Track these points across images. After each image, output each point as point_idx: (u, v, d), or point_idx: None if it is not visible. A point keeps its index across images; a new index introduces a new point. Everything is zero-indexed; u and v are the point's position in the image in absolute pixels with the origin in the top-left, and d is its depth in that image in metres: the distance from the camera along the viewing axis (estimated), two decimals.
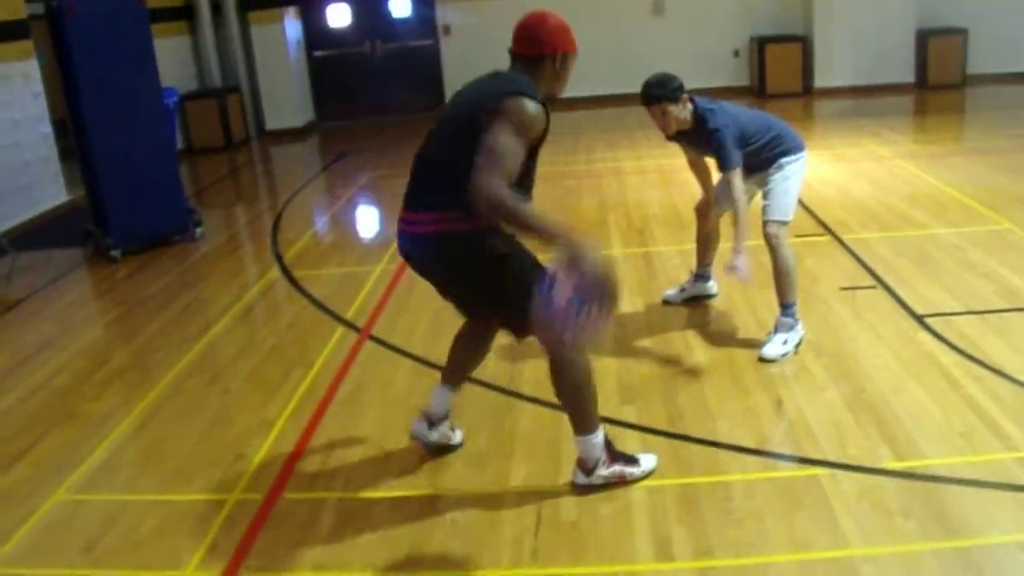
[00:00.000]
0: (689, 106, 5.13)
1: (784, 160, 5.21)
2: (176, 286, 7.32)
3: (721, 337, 5.45)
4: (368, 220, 9.48)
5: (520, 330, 3.68)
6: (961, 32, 14.37)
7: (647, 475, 3.95)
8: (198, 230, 8.59)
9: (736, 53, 14.90)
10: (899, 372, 4.78)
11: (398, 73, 15.20)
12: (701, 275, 6.03)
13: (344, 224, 9.30)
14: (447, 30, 14.98)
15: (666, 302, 6.05)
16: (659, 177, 9.52)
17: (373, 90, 15.29)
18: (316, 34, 15.22)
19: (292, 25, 14.77)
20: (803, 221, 7.50)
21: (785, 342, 5.11)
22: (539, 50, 3.65)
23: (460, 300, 3.94)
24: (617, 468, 3.88)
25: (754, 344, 5.22)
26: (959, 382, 4.61)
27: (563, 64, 3.70)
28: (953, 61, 14.41)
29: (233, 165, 12.81)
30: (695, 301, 6.03)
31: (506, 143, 3.26)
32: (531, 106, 3.37)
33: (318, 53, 15.27)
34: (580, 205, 8.73)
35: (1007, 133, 10.83)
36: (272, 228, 8.88)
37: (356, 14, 15.16)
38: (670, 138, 5.41)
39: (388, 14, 15.21)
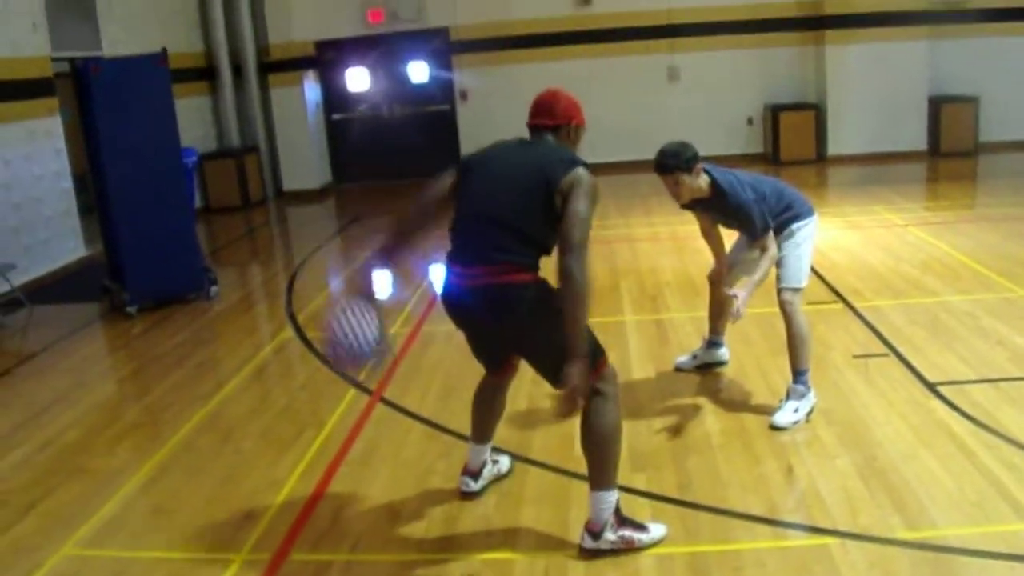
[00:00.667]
0: (703, 176, 5.15)
1: (795, 226, 5.24)
2: (190, 344, 7.37)
3: (732, 404, 5.44)
4: (383, 283, 9.51)
5: (559, 379, 3.73)
6: (973, 100, 14.48)
7: (655, 543, 3.95)
8: (213, 289, 8.66)
9: (750, 121, 15.01)
10: (911, 440, 4.76)
11: (415, 137, 15.36)
12: (714, 342, 6.04)
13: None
14: (464, 95, 15.15)
15: (678, 369, 6.05)
16: (672, 244, 9.56)
17: (390, 153, 15.44)
18: (335, 97, 15.42)
19: (311, 88, 14.99)
20: (815, 288, 7.50)
21: (796, 410, 5.11)
22: (557, 122, 4.04)
23: (504, 348, 4.20)
24: (626, 533, 3.89)
25: (765, 411, 5.22)
26: (972, 451, 4.59)
27: (576, 134, 4.11)
28: (965, 129, 14.50)
29: (250, 225, 12.92)
30: (707, 368, 6.03)
31: (589, 212, 3.71)
32: (591, 176, 3.78)
33: (336, 116, 15.46)
34: (592, 270, 8.71)
35: (1018, 200, 10.86)
36: (287, 288, 8.94)
37: (375, 78, 15.36)
38: (684, 206, 5.44)
39: (406, 79, 15.40)
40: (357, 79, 15.35)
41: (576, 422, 3.94)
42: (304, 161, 14.91)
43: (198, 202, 12.76)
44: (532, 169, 3.81)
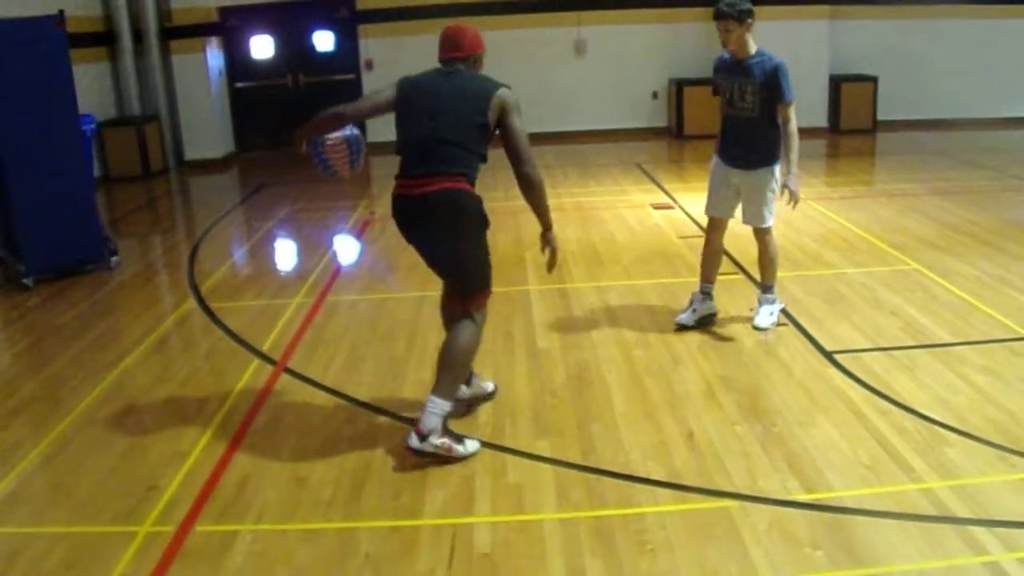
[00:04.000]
0: (749, 34, 5.76)
1: (775, 166, 6.04)
2: (89, 315, 7.19)
3: (635, 374, 5.50)
4: (286, 253, 9.40)
5: (466, 290, 4.68)
6: (871, 79, 14.85)
7: (470, 456, 4.47)
8: (114, 259, 8.46)
9: (655, 95, 15.15)
10: (809, 407, 4.90)
11: (320, 106, 15.04)
12: (707, 292, 6.25)
13: (262, 256, 9.21)
14: (369, 64, 15.00)
15: (681, 327, 6.13)
16: (577, 215, 9.63)
17: (294, 123, 15.16)
18: (238, 65, 15.12)
19: (214, 55, 14.65)
20: None
21: (772, 313, 6.12)
22: (466, 54, 4.69)
23: (439, 252, 4.77)
24: (447, 441, 4.41)
25: (668, 380, 5.32)
26: (866, 416, 4.75)
27: (480, 62, 4.81)
28: (864, 107, 14.90)
29: (151, 195, 12.64)
30: (705, 322, 6.18)
31: (523, 125, 4.68)
32: (513, 94, 4.66)
33: (240, 84, 15.17)
34: (496, 241, 8.68)
35: (914, 177, 11.20)
36: (189, 259, 8.78)
37: (279, 46, 15.11)
38: (713, 83, 6.25)
39: (312, 47, 15.19)
40: (261, 47, 15.07)
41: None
42: (207, 130, 14.58)
43: (97, 171, 12.41)
44: (464, 96, 4.54)
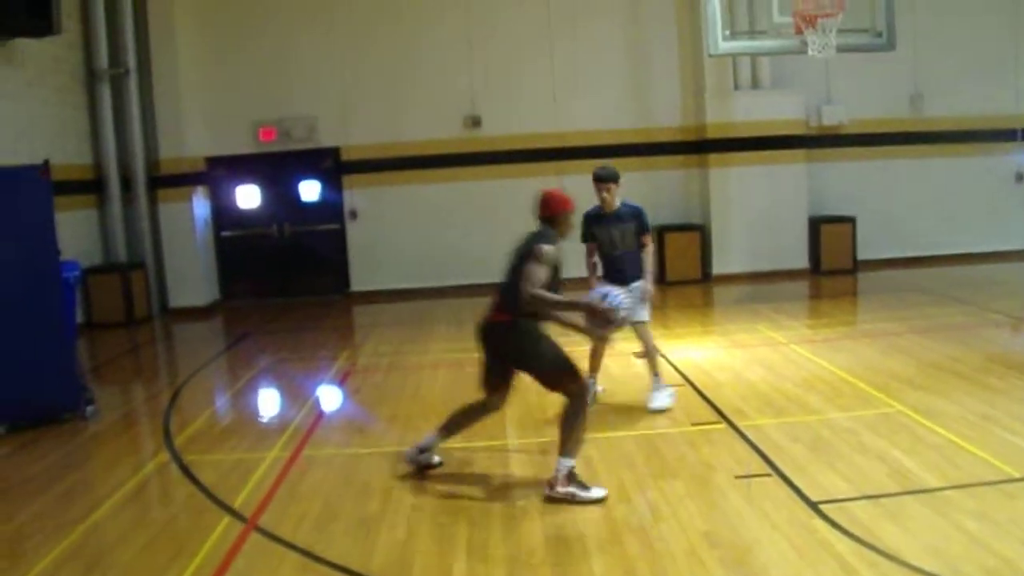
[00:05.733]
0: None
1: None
2: (60, 466, 7.02)
3: (614, 531, 5.34)
4: (266, 404, 9.28)
5: (548, 384, 5.96)
6: (850, 220, 15.06)
7: (596, 501, 5.58)
8: (89, 408, 8.34)
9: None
10: (795, 562, 4.75)
11: (304, 255, 15.32)
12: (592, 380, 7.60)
13: (241, 407, 9.08)
14: (354, 215, 15.17)
15: None
16: None
17: (279, 271, 15.35)
18: (224, 214, 15.29)
19: (200, 204, 14.83)
20: (699, 409, 7.62)
21: (670, 395, 7.66)
22: (550, 213, 6.11)
23: (503, 368, 6.11)
24: (572, 489, 5.69)
25: (647, 535, 5.19)
26: (855, 570, 4.60)
27: (566, 220, 6.20)
28: (843, 247, 15.09)
29: (134, 342, 12.59)
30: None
31: (533, 268, 5.73)
32: (545, 247, 5.83)
33: (226, 232, 15.31)
34: (476, 392, 8.61)
35: (895, 315, 11.23)
36: (167, 409, 8.65)
37: (265, 196, 15.30)
38: (585, 233, 7.91)
39: (297, 198, 15.38)
40: (247, 196, 15.26)
41: None
42: (192, 277, 14.66)
43: (80, 317, 12.40)
44: (519, 249, 5.98)
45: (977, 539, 4.88)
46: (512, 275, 5.88)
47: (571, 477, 5.73)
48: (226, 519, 5.76)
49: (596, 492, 5.72)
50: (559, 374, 5.89)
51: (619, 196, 7.82)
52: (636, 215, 7.77)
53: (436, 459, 6.44)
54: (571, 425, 5.82)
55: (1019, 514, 5.21)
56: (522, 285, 5.71)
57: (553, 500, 5.62)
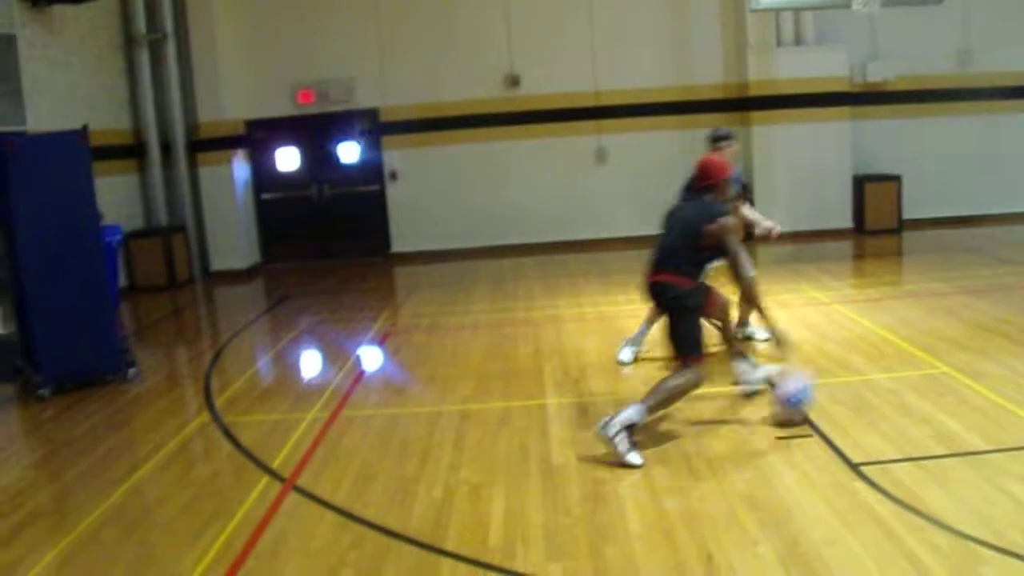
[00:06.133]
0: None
1: None
2: (103, 429, 7.10)
3: (652, 491, 5.30)
4: (306, 366, 9.31)
5: (676, 351, 6.10)
6: (895, 178, 14.81)
7: (630, 465, 5.54)
8: (131, 371, 8.41)
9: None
10: (834, 524, 4.68)
11: (344, 218, 15.32)
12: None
13: (281, 369, 9.13)
14: (393, 176, 15.14)
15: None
16: (599, 324, 9.51)
17: (319, 234, 15.38)
18: (264, 177, 15.32)
19: (240, 167, 14.88)
20: None
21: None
22: (711, 181, 6.29)
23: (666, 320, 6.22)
24: (624, 441, 5.62)
25: (686, 496, 5.13)
26: (896, 534, 4.52)
27: (725, 184, 6.37)
28: (889, 206, 14.83)
29: (176, 305, 12.68)
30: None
31: (733, 235, 6.09)
32: (729, 218, 6.17)
33: (265, 195, 15.35)
34: (516, 352, 8.65)
35: (941, 276, 11.03)
36: (208, 371, 8.71)
37: (304, 158, 15.31)
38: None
39: (336, 159, 15.38)
40: (287, 159, 15.27)
41: None
42: (232, 241, 14.74)
43: (124, 281, 12.50)
44: (692, 218, 6.16)
45: (1023, 504, 4.79)
46: (679, 241, 6.14)
47: (629, 429, 5.69)
48: (265, 479, 5.80)
49: (634, 457, 5.63)
50: (693, 348, 6.05)
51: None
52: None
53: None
54: (667, 389, 5.90)
55: None
56: (734, 242, 6.14)
57: (598, 439, 5.66)
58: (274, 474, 5.86)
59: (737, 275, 6.34)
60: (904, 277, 11.98)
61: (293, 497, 5.49)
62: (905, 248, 13.93)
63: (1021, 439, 5.70)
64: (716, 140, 7.86)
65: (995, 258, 12.10)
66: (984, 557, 4.26)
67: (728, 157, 7.41)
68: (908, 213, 14.96)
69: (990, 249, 12.78)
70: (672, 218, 6.37)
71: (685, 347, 6.06)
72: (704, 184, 6.31)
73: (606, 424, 5.64)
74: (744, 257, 6.30)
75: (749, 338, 8.16)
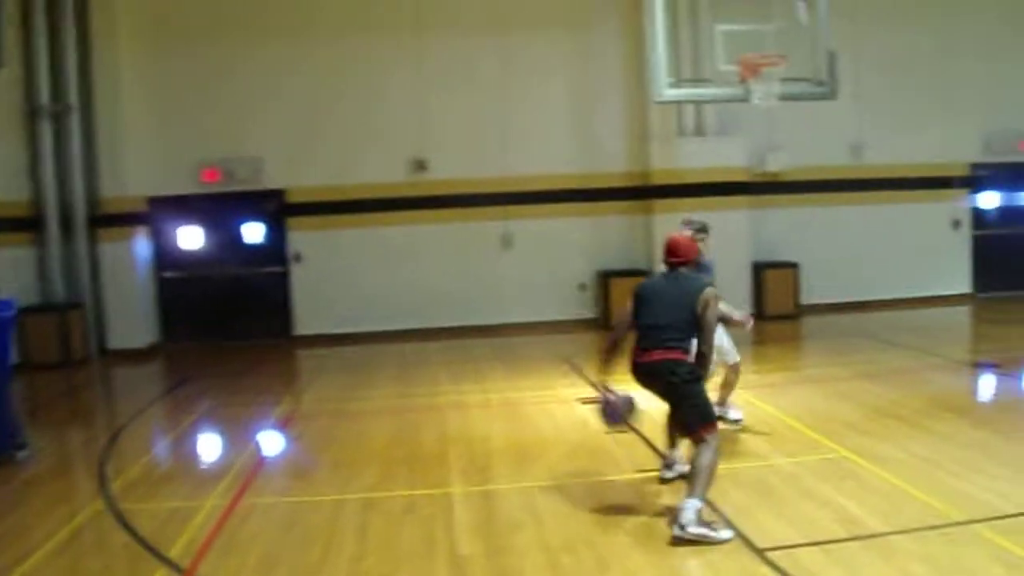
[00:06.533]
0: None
1: None
2: None
3: (560, 573, 5.28)
4: (206, 450, 9.09)
5: (689, 427, 6.17)
6: (793, 265, 15.25)
7: (726, 540, 5.58)
8: (21, 452, 8.12)
9: (583, 287, 15.32)
10: None
11: (247, 299, 15.13)
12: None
13: (180, 453, 8.87)
14: (298, 258, 15.03)
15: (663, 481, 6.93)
16: (504, 411, 9.50)
17: (221, 314, 15.12)
18: (166, 254, 15.05)
19: (142, 244, 14.62)
20: (643, 456, 7.56)
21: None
22: (687, 258, 6.41)
23: (669, 400, 6.33)
24: (704, 530, 5.64)
25: None
26: None
27: (695, 265, 6.59)
28: (787, 293, 15.25)
29: (71, 384, 12.34)
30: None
31: (714, 316, 6.23)
32: (715, 291, 6.29)
33: (167, 274, 15.07)
34: (421, 438, 8.56)
35: (838, 360, 11.34)
36: (103, 454, 8.44)
37: (208, 237, 15.10)
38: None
39: (240, 239, 15.21)
40: (190, 237, 15.05)
41: None
42: (131, 319, 14.41)
43: (16, 357, 12.11)
44: (684, 294, 6.21)
45: None
46: (681, 314, 6.18)
47: (700, 518, 5.71)
48: (162, 570, 5.60)
49: (725, 533, 5.73)
50: (707, 416, 6.14)
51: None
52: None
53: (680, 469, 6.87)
54: (707, 467, 5.90)
55: (964, 559, 5.25)
56: (710, 338, 6.28)
57: (682, 541, 5.58)
58: (172, 564, 5.66)
59: (711, 346, 6.37)
60: (803, 362, 12.27)
61: None
62: (804, 333, 14.29)
63: (920, 520, 5.85)
64: (699, 231, 7.85)
65: (887, 342, 12.48)
66: None
67: (705, 247, 7.68)
68: (806, 299, 15.39)
69: (883, 334, 13.17)
70: (661, 293, 6.33)
71: (706, 416, 6.11)
72: (680, 260, 6.38)
73: (682, 528, 5.63)
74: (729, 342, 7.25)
75: (722, 418, 7.97)
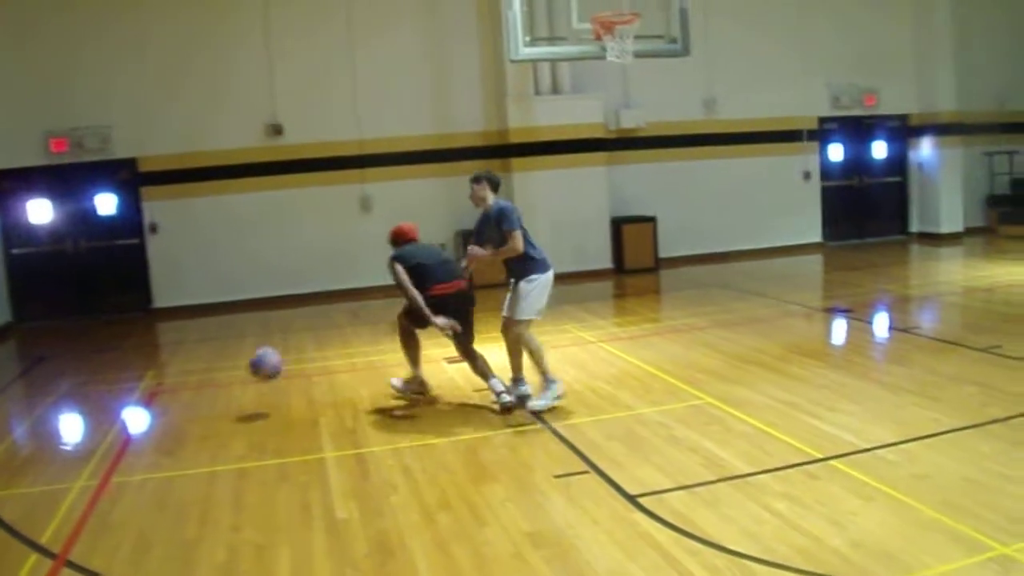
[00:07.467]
0: (489, 193, 8.03)
1: (533, 276, 7.72)
2: None
3: (439, 538, 5.35)
4: (69, 431, 8.81)
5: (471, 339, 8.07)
6: (650, 220, 15.59)
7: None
8: None
9: (442, 247, 15.26)
10: (618, 556, 4.87)
11: (103, 272, 14.65)
12: (517, 379, 7.91)
13: (42, 436, 8.56)
14: (154, 228, 14.63)
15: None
16: (370, 374, 9.49)
17: (76, 290, 14.62)
18: (14, 230, 14.43)
19: None
20: (514, 412, 7.65)
21: (556, 397, 7.72)
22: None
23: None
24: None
25: (473, 541, 5.21)
26: (676, 559, 4.76)
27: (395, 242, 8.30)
28: (645, 247, 15.62)
29: None
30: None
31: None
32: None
33: (16, 250, 14.46)
34: (290, 406, 8.50)
35: (698, 311, 11.67)
36: None
37: (58, 211, 14.55)
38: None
39: (93, 211, 14.70)
40: (39, 211, 14.47)
41: None
42: None
43: None
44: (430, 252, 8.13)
45: (787, 519, 5.16)
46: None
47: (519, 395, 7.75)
48: (33, 556, 5.43)
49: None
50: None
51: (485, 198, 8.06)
52: (501, 214, 7.82)
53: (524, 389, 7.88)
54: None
55: (823, 494, 5.52)
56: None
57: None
58: (43, 550, 5.50)
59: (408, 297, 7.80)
60: (663, 314, 12.57)
61: (66, 573, 5.18)
62: (663, 286, 14.65)
63: (782, 460, 6.14)
64: (474, 181, 8.21)
65: (745, 292, 12.91)
66: (757, 572, 4.56)
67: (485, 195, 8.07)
68: (664, 252, 15.79)
69: (741, 284, 13.62)
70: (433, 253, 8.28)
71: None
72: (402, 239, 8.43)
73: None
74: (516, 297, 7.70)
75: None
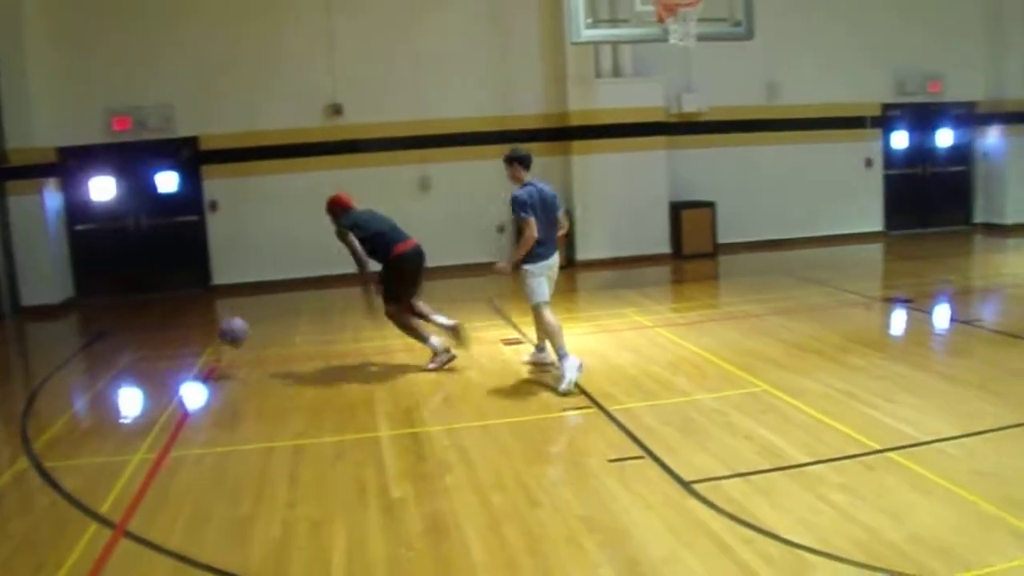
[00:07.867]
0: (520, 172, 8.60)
1: (527, 266, 8.08)
2: None
3: (493, 519, 5.35)
4: (129, 405, 8.96)
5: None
6: (710, 205, 15.45)
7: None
8: None
9: (501, 228, 15.30)
10: (671, 542, 4.84)
11: (163, 249, 14.84)
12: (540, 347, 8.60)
13: (103, 409, 8.74)
14: (213, 206, 14.79)
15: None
16: (427, 355, 9.44)
17: (137, 266, 14.82)
18: (78, 207, 14.68)
19: (52, 197, 14.22)
20: (569, 395, 7.63)
21: (578, 367, 7.77)
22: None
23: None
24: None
25: (527, 522, 5.21)
26: (729, 546, 4.72)
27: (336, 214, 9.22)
28: (704, 232, 15.46)
29: None
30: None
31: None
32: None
33: (79, 227, 14.70)
34: (346, 384, 8.57)
35: (756, 298, 11.54)
36: (24, 412, 8.28)
37: (121, 188, 14.77)
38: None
39: (154, 189, 14.90)
40: (102, 188, 14.70)
41: None
42: (45, 274, 14.02)
43: None
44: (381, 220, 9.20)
45: (844, 511, 5.08)
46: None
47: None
48: (93, 526, 5.54)
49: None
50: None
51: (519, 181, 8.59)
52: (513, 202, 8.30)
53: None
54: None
55: (880, 485, 5.44)
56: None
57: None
58: (103, 520, 5.61)
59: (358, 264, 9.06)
60: (721, 300, 12.47)
61: (124, 544, 5.27)
62: (721, 271, 14.52)
63: (839, 450, 6.05)
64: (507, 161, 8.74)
65: (803, 279, 12.75)
66: (812, 563, 4.51)
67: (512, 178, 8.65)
68: (722, 238, 15.63)
69: (800, 271, 13.46)
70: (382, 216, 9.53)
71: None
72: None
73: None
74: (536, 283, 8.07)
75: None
